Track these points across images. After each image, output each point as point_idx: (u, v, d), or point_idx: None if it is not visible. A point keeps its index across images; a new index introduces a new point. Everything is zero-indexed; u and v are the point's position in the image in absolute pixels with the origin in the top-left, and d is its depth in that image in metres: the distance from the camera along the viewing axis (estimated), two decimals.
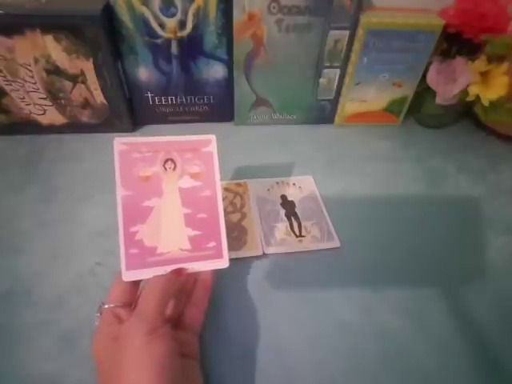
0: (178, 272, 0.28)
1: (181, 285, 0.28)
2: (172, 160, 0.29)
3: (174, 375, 0.22)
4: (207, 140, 0.30)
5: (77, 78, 0.45)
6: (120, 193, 0.28)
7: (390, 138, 0.54)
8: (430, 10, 0.47)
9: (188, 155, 0.29)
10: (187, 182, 0.29)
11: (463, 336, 0.31)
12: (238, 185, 0.44)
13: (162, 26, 0.43)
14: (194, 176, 0.29)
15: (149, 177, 0.28)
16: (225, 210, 0.30)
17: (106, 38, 0.42)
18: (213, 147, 0.30)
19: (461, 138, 0.55)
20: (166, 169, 0.29)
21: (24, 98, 0.46)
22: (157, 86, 0.49)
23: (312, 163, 0.48)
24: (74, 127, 0.50)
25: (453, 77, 0.49)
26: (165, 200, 0.29)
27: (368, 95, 0.53)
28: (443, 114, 0.54)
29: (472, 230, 0.41)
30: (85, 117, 0.49)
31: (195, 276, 0.30)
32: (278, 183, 0.45)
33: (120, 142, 0.28)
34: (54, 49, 0.42)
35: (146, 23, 0.43)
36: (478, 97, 0.48)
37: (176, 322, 0.28)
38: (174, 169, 0.29)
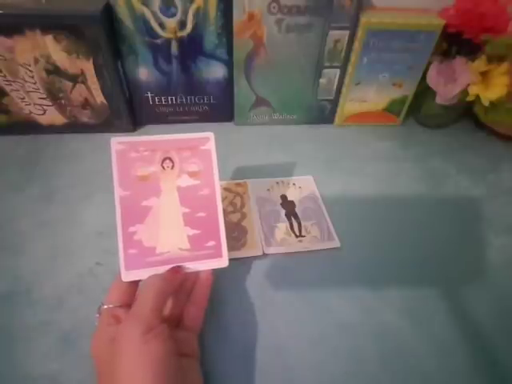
0: (175, 271, 0.27)
1: (178, 284, 0.28)
2: (170, 159, 0.29)
3: (171, 374, 0.22)
4: (205, 138, 0.30)
5: (77, 78, 0.45)
6: (118, 193, 0.27)
7: (390, 138, 0.54)
8: (430, 10, 0.47)
9: (186, 154, 0.29)
10: (186, 181, 0.29)
11: (463, 336, 0.31)
12: (238, 185, 0.44)
13: (161, 25, 0.43)
14: (192, 175, 0.29)
15: (147, 176, 0.28)
16: (225, 210, 0.30)
17: (106, 38, 0.42)
18: (211, 145, 0.30)
19: (461, 138, 0.55)
20: (164, 168, 0.29)
21: (24, 98, 0.46)
22: (157, 86, 0.49)
23: (312, 163, 0.48)
24: (74, 127, 0.50)
25: (453, 77, 0.49)
26: (163, 199, 0.28)
27: (368, 95, 0.53)
28: (443, 113, 0.54)
29: (472, 230, 0.41)
30: (85, 117, 0.49)
31: (195, 275, 0.30)
32: (277, 183, 0.45)
33: (117, 142, 0.28)
34: (54, 49, 0.42)
35: (145, 23, 0.43)
36: (478, 97, 0.48)
37: (176, 322, 0.28)
38: (172, 168, 0.29)
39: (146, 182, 0.28)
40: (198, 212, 0.29)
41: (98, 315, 0.26)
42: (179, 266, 0.28)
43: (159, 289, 0.25)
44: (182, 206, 0.29)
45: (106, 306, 0.26)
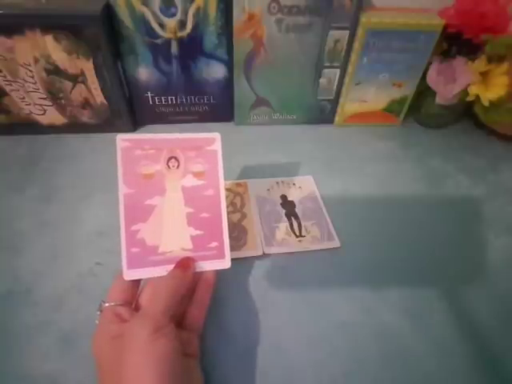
0: (183, 266, 0.27)
1: (191, 283, 0.27)
2: (175, 158, 0.29)
3: (176, 374, 0.22)
4: (212, 138, 0.30)
5: (77, 78, 0.45)
6: (122, 190, 0.27)
7: (390, 138, 0.54)
8: (430, 10, 0.47)
9: (191, 153, 0.29)
10: (190, 181, 0.29)
11: (463, 336, 0.31)
12: (238, 185, 0.44)
13: (161, 25, 0.43)
14: (197, 175, 0.29)
15: (152, 174, 0.28)
16: None
17: (106, 38, 0.42)
18: (217, 146, 0.30)
19: (461, 138, 0.55)
20: (169, 167, 0.29)
21: (24, 97, 0.46)
22: (157, 86, 0.49)
23: (312, 163, 0.48)
24: (74, 127, 0.50)
25: (453, 77, 0.49)
26: (167, 198, 0.28)
27: (368, 95, 0.53)
28: (443, 113, 0.54)
29: (472, 230, 0.41)
30: (85, 117, 0.49)
31: (197, 275, 0.29)
32: (277, 183, 0.45)
33: (122, 139, 0.28)
34: (54, 49, 0.42)
35: (145, 23, 0.43)
36: (477, 97, 0.48)
37: (178, 322, 0.28)
38: (178, 167, 0.29)
39: (151, 180, 0.28)
40: (201, 212, 0.29)
41: (98, 313, 0.26)
42: (189, 257, 0.28)
43: (172, 289, 0.25)
44: (186, 206, 0.29)
45: (107, 304, 0.26)
